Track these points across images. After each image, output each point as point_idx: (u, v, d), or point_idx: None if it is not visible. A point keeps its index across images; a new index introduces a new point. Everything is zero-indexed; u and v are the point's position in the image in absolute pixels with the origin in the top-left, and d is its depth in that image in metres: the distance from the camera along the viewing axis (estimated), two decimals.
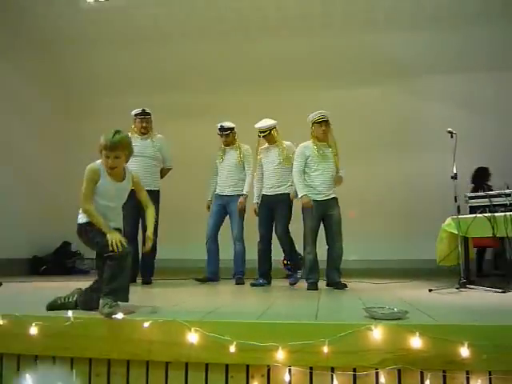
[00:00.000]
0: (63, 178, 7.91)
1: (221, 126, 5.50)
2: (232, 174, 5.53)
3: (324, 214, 4.79)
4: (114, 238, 2.81)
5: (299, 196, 4.85)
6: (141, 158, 5.08)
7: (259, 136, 5.29)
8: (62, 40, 7.38)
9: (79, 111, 8.19)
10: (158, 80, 7.67)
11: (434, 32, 7.08)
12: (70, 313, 2.63)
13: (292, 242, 5.20)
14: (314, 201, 4.76)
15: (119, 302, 2.80)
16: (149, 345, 2.52)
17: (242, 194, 5.47)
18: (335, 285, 4.73)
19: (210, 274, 5.50)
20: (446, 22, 6.89)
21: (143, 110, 5.21)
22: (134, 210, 4.90)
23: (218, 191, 5.61)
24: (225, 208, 5.56)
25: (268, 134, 5.23)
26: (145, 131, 5.24)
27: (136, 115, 5.22)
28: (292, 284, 5.14)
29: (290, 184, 5.13)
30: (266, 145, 5.34)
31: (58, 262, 7.19)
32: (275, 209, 5.15)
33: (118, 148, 2.94)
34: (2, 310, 2.74)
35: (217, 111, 6.33)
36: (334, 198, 4.85)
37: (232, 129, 5.54)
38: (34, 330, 2.59)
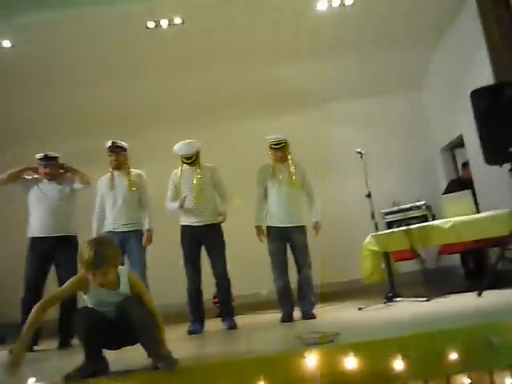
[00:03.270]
0: None
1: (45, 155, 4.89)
2: None
3: None
4: None
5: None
6: (49, 202, 4.78)
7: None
8: None
9: None
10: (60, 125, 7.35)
11: (332, 61, 7.36)
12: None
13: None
14: None
15: None
16: None
17: None
18: None
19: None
20: (343, 51, 7.19)
21: (46, 155, 4.85)
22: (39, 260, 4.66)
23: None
24: None
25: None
26: (49, 177, 4.87)
27: (41, 159, 4.85)
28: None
29: None
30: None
31: None
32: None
33: (105, 264, 2.42)
34: None
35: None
36: None
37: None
38: None
